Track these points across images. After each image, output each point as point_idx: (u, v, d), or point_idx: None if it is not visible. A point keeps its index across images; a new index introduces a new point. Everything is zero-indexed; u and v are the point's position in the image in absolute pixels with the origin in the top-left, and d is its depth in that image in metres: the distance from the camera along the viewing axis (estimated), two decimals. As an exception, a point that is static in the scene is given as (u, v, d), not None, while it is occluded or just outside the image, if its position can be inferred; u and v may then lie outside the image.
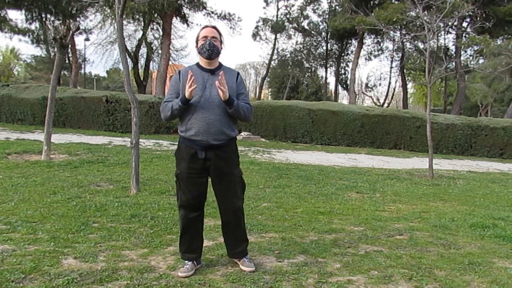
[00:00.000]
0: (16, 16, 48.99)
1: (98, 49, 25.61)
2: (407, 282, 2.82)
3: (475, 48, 22.78)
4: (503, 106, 37.12)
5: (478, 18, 12.22)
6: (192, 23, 25.71)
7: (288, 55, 34.73)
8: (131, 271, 2.73)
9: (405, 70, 31.79)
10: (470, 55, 26.16)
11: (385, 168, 9.22)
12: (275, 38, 33.35)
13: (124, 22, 18.48)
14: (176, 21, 25.00)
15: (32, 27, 24.20)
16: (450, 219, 4.64)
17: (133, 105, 5.37)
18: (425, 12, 8.89)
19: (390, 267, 3.06)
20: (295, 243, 3.53)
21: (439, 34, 17.41)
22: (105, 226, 3.69)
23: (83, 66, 33.67)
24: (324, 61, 34.44)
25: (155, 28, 25.92)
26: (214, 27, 2.85)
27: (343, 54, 34.09)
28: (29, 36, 24.77)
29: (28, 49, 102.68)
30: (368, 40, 31.37)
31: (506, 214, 5.13)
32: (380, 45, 32.19)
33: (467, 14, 14.54)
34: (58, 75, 8.30)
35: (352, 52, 33.21)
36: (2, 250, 3.00)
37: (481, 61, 24.36)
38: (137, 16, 22.89)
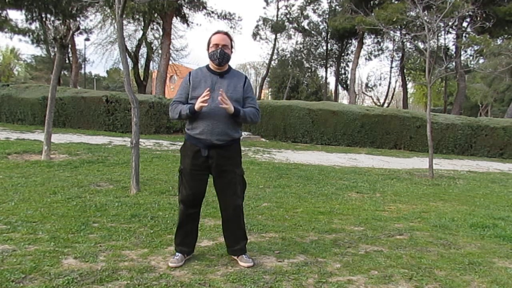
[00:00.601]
0: (16, 16, 49.09)
1: (98, 49, 25.62)
2: (407, 282, 2.82)
3: (475, 48, 22.78)
4: (503, 106, 37.14)
5: (478, 18, 12.23)
6: (192, 23, 25.72)
7: (288, 55, 34.73)
8: (131, 271, 2.73)
9: (405, 70, 31.79)
10: (470, 55, 26.18)
11: (385, 168, 9.22)
12: (275, 38, 33.37)
13: (124, 22, 18.49)
14: (176, 21, 25.01)
15: (32, 27, 24.25)
16: (450, 219, 4.64)
17: (133, 105, 5.37)
18: (425, 12, 8.89)
19: (390, 267, 3.06)
20: (295, 243, 3.53)
21: (439, 34, 17.42)
22: (105, 226, 3.69)
23: (83, 66, 33.70)
24: (324, 61, 34.44)
25: (155, 28, 25.93)
26: (226, 33, 2.94)
27: (343, 54, 34.10)
28: (29, 36, 24.78)
29: (28, 49, 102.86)
30: (368, 40, 31.40)
31: (506, 214, 5.13)
32: (380, 45, 32.24)
33: (467, 14, 14.55)
34: (58, 75, 8.30)
35: (352, 52, 33.22)
36: (2, 250, 3.00)
37: (481, 61, 24.37)
38: (137, 16, 22.88)
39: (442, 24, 10.26)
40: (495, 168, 11.25)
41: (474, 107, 41.02)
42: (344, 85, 34.38)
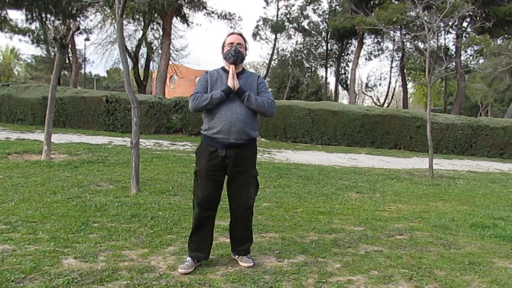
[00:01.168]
0: (16, 16, 49.19)
1: (98, 49, 25.60)
2: (407, 282, 2.82)
3: (475, 48, 22.77)
4: (503, 106, 37.12)
5: (478, 18, 12.24)
6: (192, 23, 25.70)
7: (288, 55, 34.72)
8: (131, 271, 2.73)
9: (405, 70, 31.79)
10: (470, 55, 26.17)
11: (385, 168, 9.22)
12: (275, 38, 33.36)
13: (124, 22, 18.50)
14: (176, 21, 24.99)
15: (32, 27, 24.20)
16: (450, 219, 4.64)
17: (133, 105, 5.37)
18: (425, 12, 8.88)
19: (390, 267, 3.06)
20: (295, 243, 3.53)
21: (439, 34, 17.41)
22: (105, 226, 3.70)
23: (83, 66, 33.69)
24: (324, 61, 34.45)
25: (155, 28, 25.91)
26: (240, 34, 3.00)
27: (343, 54, 34.10)
28: (29, 36, 24.75)
29: (28, 49, 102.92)
30: (368, 40, 31.40)
31: (506, 214, 5.13)
32: (380, 45, 32.23)
33: (467, 14, 14.56)
34: (58, 75, 8.30)
35: (352, 52, 33.22)
36: (2, 250, 3.00)
37: (481, 61, 24.38)
38: (137, 16, 22.86)
39: (442, 24, 10.25)
40: (495, 168, 11.25)
41: (474, 107, 41.03)
42: (344, 85, 34.38)
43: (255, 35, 33.23)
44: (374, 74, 73.13)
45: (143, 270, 2.76)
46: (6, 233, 3.36)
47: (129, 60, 23.27)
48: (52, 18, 22.22)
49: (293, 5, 32.79)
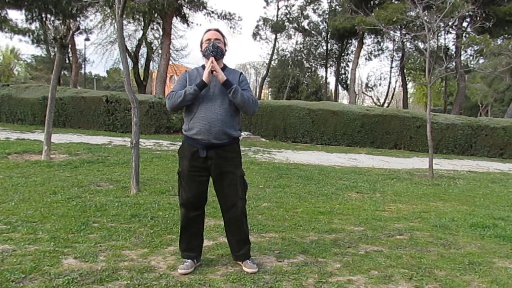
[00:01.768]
0: (16, 16, 49.20)
1: (98, 49, 25.66)
2: (407, 282, 2.82)
3: (475, 48, 22.78)
4: (503, 106, 37.11)
5: (478, 18, 12.23)
6: (192, 23, 25.72)
7: (288, 55, 34.73)
8: (131, 271, 2.73)
9: (405, 70, 31.79)
10: (470, 55, 26.18)
11: (385, 168, 9.22)
12: (275, 38, 33.37)
13: (124, 22, 18.49)
14: (176, 21, 25.01)
15: (32, 27, 24.21)
16: (450, 219, 4.64)
17: (133, 105, 5.37)
18: (425, 12, 8.88)
19: (390, 267, 3.06)
20: (295, 243, 3.53)
21: (439, 34, 17.40)
22: (105, 226, 3.69)
23: (83, 66, 33.67)
24: (324, 61, 34.43)
25: (155, 28, 25.93)
26: (217, 30, 2.93)
27: (343, 54, 34.09)
28: (29, 36, 24.75)
29: (28, 49, 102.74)
30: (368, 40, 31.40)
31: (506, 214, 5.13)
32: (380, 45, 32.24)
33: (467, 14, 14.55)
34: (58, 75, 8.30)
35: (352, 52, 33.22)
36: (2, 250, 3.00)
37: (481, 61, 24.38)
38: (137, 16, 22.88)
39: (442, 24, 10.25)
40: (495, 168, 11.25)
41: (474, 107, 41.01)
42: (344, 85, 34.38)
43: (255, 35, 33.27)
44: (374, 74, 73.24)
45: (143, 270, 2.76)
46: (6, 233, 3.36)
47: (129, 60, 23.28)
48: (52, 18, 22.23)
49: (293, 5, 32.85)
